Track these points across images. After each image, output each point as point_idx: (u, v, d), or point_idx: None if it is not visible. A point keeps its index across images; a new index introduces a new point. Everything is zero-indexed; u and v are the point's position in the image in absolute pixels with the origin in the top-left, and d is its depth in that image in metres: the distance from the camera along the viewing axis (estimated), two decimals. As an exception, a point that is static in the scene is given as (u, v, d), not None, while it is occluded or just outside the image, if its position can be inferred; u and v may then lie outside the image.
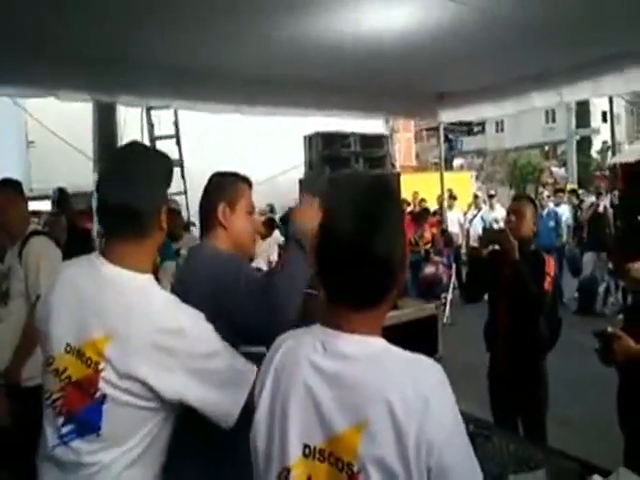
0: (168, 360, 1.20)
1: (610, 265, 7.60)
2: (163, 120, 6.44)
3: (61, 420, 1.25)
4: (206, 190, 1.78)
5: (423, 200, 9.73)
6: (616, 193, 8.73)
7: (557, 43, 3.87)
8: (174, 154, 5.86)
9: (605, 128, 25.87)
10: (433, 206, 9.01)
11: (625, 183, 2.18)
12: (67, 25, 3.21)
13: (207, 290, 1.50)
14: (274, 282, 1.53)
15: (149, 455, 1.26)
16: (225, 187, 1.75)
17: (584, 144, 28.28)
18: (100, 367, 1.20)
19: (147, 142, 5.74)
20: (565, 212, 9.06)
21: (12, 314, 2.68)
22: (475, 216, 9.50)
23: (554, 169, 26.25)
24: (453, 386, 0.97)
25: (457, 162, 29.48)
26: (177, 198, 5.73)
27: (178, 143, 6.69)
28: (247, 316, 1.50)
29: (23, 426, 2.15)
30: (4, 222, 2.78)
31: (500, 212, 8.63)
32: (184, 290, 1.46)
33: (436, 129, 7.46)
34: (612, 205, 8.32)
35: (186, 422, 1.31)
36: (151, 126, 6.49)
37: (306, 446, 0.97)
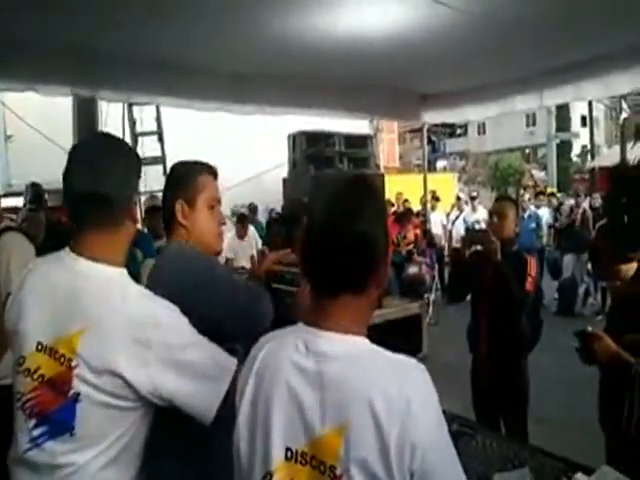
0: (143, 352, 1.17)
1: (589, 266, 7.72)
2: (145, 116, 6.36)
3: (33, 422, 1.21)
4: (166, 184, 1.69)
5: (407, 201, 9.78)
6: (595, 196, 8.89)
7: (539, 46, 3.92)
8: (156, 151, 5.79)
9: (584, 132, 26.35)
10: (416, 207, 9.06)
11: (611, 184, 2.21)
12: (47, 18, 3.15)
13: (178, 291, 1.47)
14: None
15: (126, 456, 1.23)
16: (183, 182, 1.65)
17: (564, 148, 28.77)
18: (73, 364, 1.17)
19: (129, 138, 5.66)
20: (545, 214, 9.19)
21: None
22: (458, 217, 9.58)
23: (535, 172, 26.62)
24: (436, 385, 0.96)
25: (440, 164, 29.70)
26: (159, 195, 5.64)
27: (161, 140, 6.61)
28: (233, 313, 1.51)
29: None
30: None
31: (482, 213, 8.72)
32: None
33: (419, 131, 7.49)
34: (591, 207, 8.46)
35: (163, 421, 1.29)
36: (133, 122, 6.40)
37: (288, 449, 0.96)
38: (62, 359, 1.19)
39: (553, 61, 4.37)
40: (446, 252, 9.36)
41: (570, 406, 4.07)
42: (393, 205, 9.82)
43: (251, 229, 7.07)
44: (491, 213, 3.09)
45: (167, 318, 1.24)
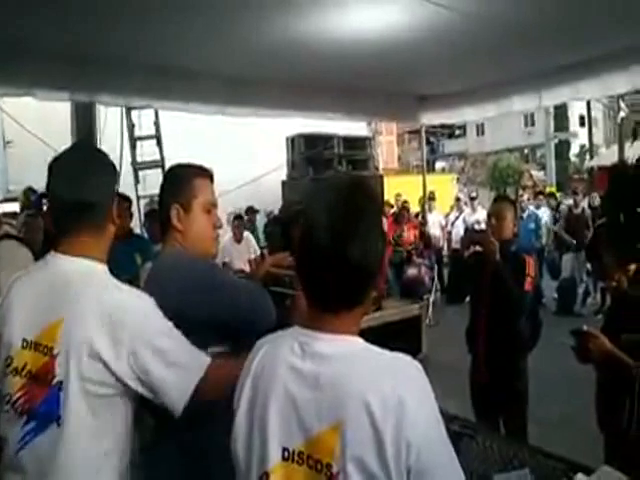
0: (117, 331, 1.22)
1: (589, 266, 7.72)
2: (144, 120, 6.35)
3: (23, 419, 1.24)
4: (161, 188, 1.68)
5: (406, 202, 9.78)
6: (594, 195, 8.89)
7: (537, 47, 3.92)
8: (155, 155, 5.78)
9: (583, 132, 26.38)
10: (415, 208, 9.05)
11: (609, 183, 2.22)
12: (45, 23, 3.15)
13: (176, 294, 1.47)
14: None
15: (115, 447, 1.26)
16: (178, 186, 1.63)
17: (562, 148, 28.82)
18: (55, 352, 1.22)
19: (127, 142, 5.65)
20: (545, 214, 9.19)
21: None
22: (457, 218, 9.58)
23: (533, 172, 26.63)
24: (435, 385, 0.96)
25: (439, 165, 29.75)
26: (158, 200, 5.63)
27: (159, 144, 6.60)
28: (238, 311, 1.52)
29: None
30: None
31: (481, 214, 8.71)
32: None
33: (418, 132, 7.50)
34: (590, 207, 8.47)
35: (158, 419, 1.30)
36: (131, 126, 6.39)
37: (285, 449, 0.96)
38: (45, 349, 1.24)
39: (551, 61, 4.37)
40: (445, 253, 9.37)
41: (570, 406, 4.06)
42: (392, 206, 9.82)
43: (247, 234, 7.08)
44: (490, 214, 3.09)
45: (142, 307, 1.29)
